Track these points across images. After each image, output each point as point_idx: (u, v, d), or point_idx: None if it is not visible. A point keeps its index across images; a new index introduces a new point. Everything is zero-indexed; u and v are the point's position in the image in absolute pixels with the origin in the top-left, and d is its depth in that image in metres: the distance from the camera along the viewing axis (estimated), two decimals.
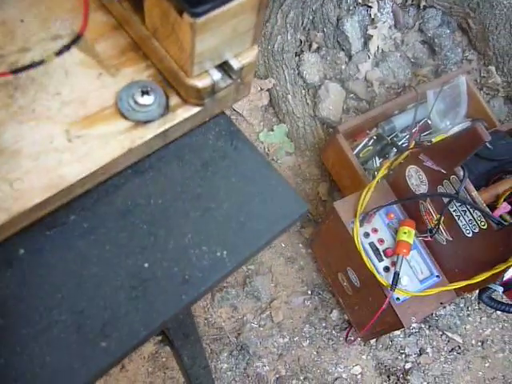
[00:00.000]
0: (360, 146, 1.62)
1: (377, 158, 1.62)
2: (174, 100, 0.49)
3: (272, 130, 1.74)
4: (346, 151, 1.52)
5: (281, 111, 1.74)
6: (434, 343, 1.58)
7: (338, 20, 1.76)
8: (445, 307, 1.60)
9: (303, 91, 1.74)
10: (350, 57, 1.76)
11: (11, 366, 0.41)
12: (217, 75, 0.46)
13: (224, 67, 0.48)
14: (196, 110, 0.49)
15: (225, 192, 0.49)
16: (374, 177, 1.60)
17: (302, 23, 1.75)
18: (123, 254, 0.45)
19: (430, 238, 1.27)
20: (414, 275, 1.30)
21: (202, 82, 0.46)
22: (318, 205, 1.67)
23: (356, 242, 1.29)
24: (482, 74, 1.80)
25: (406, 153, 1.34)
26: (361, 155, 1.60)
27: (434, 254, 1.32)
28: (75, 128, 0.46)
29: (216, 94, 0.48)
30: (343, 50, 1.77)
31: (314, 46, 1.76)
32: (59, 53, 0.45)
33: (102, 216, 0.46)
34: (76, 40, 0.45)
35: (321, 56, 1.75)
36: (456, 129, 1.61)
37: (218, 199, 0.48)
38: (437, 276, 1.30)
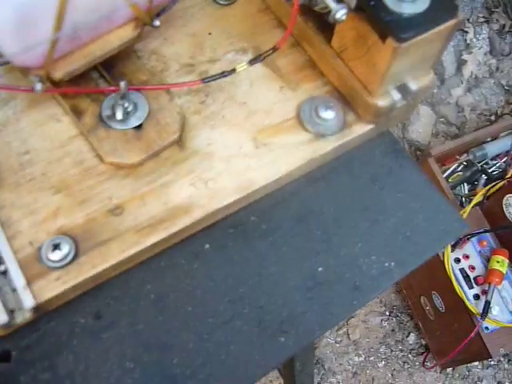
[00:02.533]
0: (449, 171, 1.61)
1: (465, 185, 1.61)
2: (350, 116, 0.51)
3: None
4: (438, 176, 1.51)
5: None
6: None
7: None
8: None
9: None
10: (442, 81, 1.76)
11: (199, 351, 0.45)
12: (397, 96, 0.49)
13: (402, 88, 0.50)
14: (370, 126, 0.51)
15: (391, 206, 0.51)
16: (461, 203, 1.59)
17: None
18: (299, 257, 0.48)
19: None
20: (505, 306, 1.28)
21: (383, 102, 0.49)
22: None
23: (447, 267, 1.28)
24: None
25: (503, 182, 1.32)
26: (449, 180, 1.59)
27: None
28: (261, 136, 0.50)
29: (391, 113, 0.51)
30: (436, 73, 1.77)
31: None
32: (251, 63, 0.49)
33: (278, 219, 0.50)
34: (275, 49, 0.48)
35: None
36: None
37: (385, 212, 0.51)
38: None
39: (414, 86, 0.49)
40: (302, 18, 0.52)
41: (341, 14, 0.41)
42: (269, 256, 0.48)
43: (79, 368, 0.43)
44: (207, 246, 0.48)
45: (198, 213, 0.46)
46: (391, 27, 0.43)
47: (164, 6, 0.49)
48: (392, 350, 1.55)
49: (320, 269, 0.48)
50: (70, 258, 0.43)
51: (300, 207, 0.50)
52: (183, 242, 0.48)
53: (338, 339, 1.54)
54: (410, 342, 1.57)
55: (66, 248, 0.43)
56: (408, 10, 0.44)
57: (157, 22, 0.47)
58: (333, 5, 0.41)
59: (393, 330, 1.58)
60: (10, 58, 0.43)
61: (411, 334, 1.57)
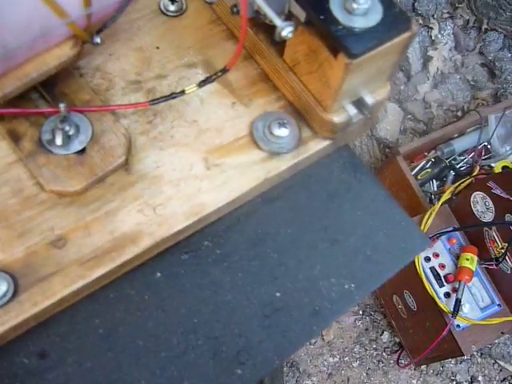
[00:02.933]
0: (417, 169, 1.61)
1: (434, 181, 1.61)
2: (306, 132, 0.49)
3: None
4: (406, 174, 1.51)
5: None
6: (486, 371, 1.56)
7: None
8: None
9: None
10: (408, 77, 1.76)
11: None
12: (353, 111, 0.47)
13: (357, 103, 0.48)
14: (326, 142, 0.49)
15: (351, 225, 0.49)
16: (430, 200, 1.60)
17: None
18: (255, 283, 0.46)
19: (495, 267, 1.25)
20: (475, 303, 1.29)
21: (338, 118, 0.47)
22: None
23: (417, 265, 1.28)
24: None
25: (470, 179, 1.33)
26: (418, 177, 1.60)
27: (496, 282, 1.30)
28: (213, 156, 0.48)
29: (348, 128, 0.49)
30: (402, 70, 1.76)
31: None
32: (201, 85, 0.47)
33: (233, 243, 0.47)
34: (220, 73, 0.46)
35: None
36: None
37: (344, 231, 0.49)
38: (498, 305, 1.29)
39: (370, 99, 0.48)
40: (253, 30, 0.50)
41: (287, 31, 0.39)
42: (224, 282, 0.46)
43: None
44: (158, 274, 0.46)
45: (147, 241, 0.44)
46: (342, 42, 0.41)
47: (105, 22, 0.46)
48: (366, 350, 1.55)
49: (278, 294, 0.46)
50: (8, 296, 0.40)
51: (256, 229, 0.48)
52: (133, 271, 0.45)
53: (313, 341, 1.53)
54: (384, 341, 1.57)
55: (3, 286, 0.40)
56: (359, 24, 0.42)
57: (97, 40, 0.45)
58: (278, 22, 0.38)
59: (367, 329, 1.57)
60: None
61: (385, 332, 1.57)
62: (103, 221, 0.44)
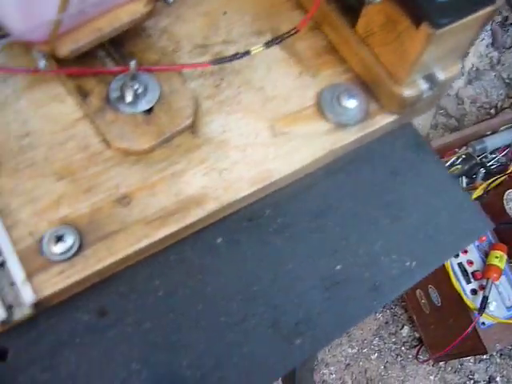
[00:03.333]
0: (448, 164, 1.59)
1: (464, 178, 1.59)
2: (373, 106, 0.48)
3: None
4: None
5: None
6: (505, 372, 1.54)
7: None
8: None
9: None
10: None
11: (211, 354, 0.42)
12: (424, 86, 0.46)
13: (429, 78, 0.47)
14: (393, 117, 0.48)
15: (413, 202, 0.49)
16: None
17: None
18: (316, 254, 0.46)
19: None
20: (502, 301, 1.27)
21: (409, 91, 0.46)
22: None
23: None
24: None
25: (504, 177, 1.31)
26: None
27: None
28: (279, 124, 0.47)
29: (416, 103, 0.48)
30: None
31: None
32: (268, 45, 0.46)
33: (295, 214, 0.47)
34: (287, 35, 0.45)
35: None
36: None
37: (406, 209, 0.48)
38: None
39: (441, 75, 0.47)
40: None
41: None
42: (285, 252, 0.45)
43: (81, 368, 0.40)
44: (220, 239, 0.45)
45: (212, 205, 0.43)
46: (427, 12, 0.40)
47: None
48: (385, 343, 1.54)
49: (338, 267, 0.45)
50: (73, 250, 0.40)
51: (318, 201, 0.47)
52: (194, 235, 0.45)
53: None
54: (404, 335, 1.56)
55: (69, 240, 0.40)
56: None
57: None
58: None
59: (386, 323, 1.56)
60: (13, 33, 0.39)
61: (405, 326, 1.56)
62: (169, 181, 0.44)
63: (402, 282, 0.46)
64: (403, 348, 1.54)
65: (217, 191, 0.43)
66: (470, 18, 0.41)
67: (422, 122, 1.69)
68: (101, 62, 0.47)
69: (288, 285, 0.44)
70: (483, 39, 1.76)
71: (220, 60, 0.47)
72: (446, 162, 1.60)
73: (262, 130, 0.46)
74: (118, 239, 0.41)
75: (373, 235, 0.47)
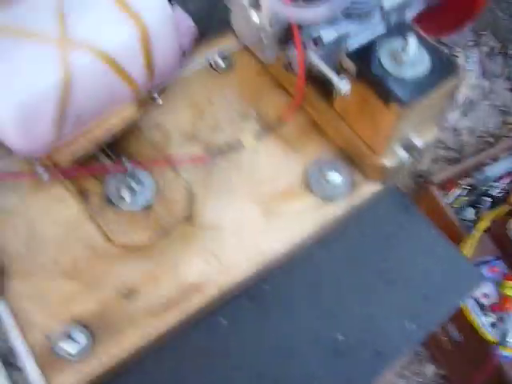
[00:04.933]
0: (453, 197, 1.60)
1: (470, 208, 1.60)
2: (358, 177, 0.51)
3: None
4: (441, 203, 1.50)
5: None
6: None
7: None
8: None
9: None
10: None
11: None
12: (404, 155, 0.49)
13: (408, 146, 0.50)
14: (378, 186, 0.51)
15: (407, 264, 0.50)
16: (468, 228, 1.58)
17: None
18: (316, 325, 0.47)
19: None
20: None
21: (390, 162, 0.48)
22: None
23: None
24: None
25: (506, 206, 1.32)
26: (454, 205, 1.59)
27: None
28: (270, 205, 0.49)
29: (398, 170, 0.50)
30: None
31: None
32: (258, 137, 0.49)
33: (293, 287, 0.49)
34: (275, 125, 0.48)
35: None
36: None
37: (401, 271, 0.50)
38: None
39: (419, 143, 0.49)
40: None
41: (344, 86, 0.41)
42: (285, 326, 0.47)
43: None
44: (224, 321, 0.47)
45: (212, 290, 0.45)
46: (393, 92, 0.43)
47: (164, 83, 0.49)
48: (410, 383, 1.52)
49: (339, 336, 0.47)
50: (86, 349, 0.42)
51: (314, 273, 0.50)
52: (199, 319, 0.47)
53: None
54: (428, 374, 1.54)
55: (82, 339, 0.42)
56: (409, 73, 0.44)
57: (160, 101, 0.48)
58: (334, 78, 0.41)
59: (410, 362, 1.55)
60: (14, 151, 0.42)
61: (428, 364, 1.54)
62: (170, 272, 0.46)
63: (402, 345, 0.47)
64: None
65: (216, 276, 0.46)
66: (435, 92, 0.44)
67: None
68: (99, 162, 0.50)
69: (291, 358, 0.46)
70: (473, 71, 1.80)
71: (215, 152, 0.50)
72: (451, 194, 1.62)
73: (254, 211, 0.49)
74: (127, 334, 0.44)
75: (370, 300, 0.49)
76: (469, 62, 1.78)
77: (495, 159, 1.64)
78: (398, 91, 0.43)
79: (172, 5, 0.45)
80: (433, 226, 0.53)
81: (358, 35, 0.45)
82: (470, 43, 1.81)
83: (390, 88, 0.43)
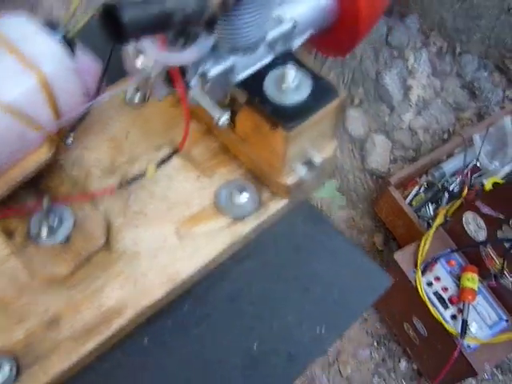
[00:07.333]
0: (412, 195, 1.65)
1: (429, 205, 1.65)
2: (265, 194, 0.55)
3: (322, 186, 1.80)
4: (400, 202, 1.55)
5: None
6: None
7: (376, 74, 1.83)
8: None
9: (350, 145, 1.80)
10: (392, 108, 1.82)
11: None
12: (302, 171, 0.53)
13: (307, 163, 0.54)
14: (285, 201, 0.55)
15: (318, 272, 0.54)
16: (428, 224, 1.63)
17: (343, 81, 1.83)
18: (234, 337, 0.51)
19: (494, 284, 1.28)
20: (483, 321, 1.31)
21: (290, 180, 0.52)
22: (375, 255, 1.70)
23: (420, 292, 1.31)
24: None
25: (460, 200, 1.37)
26: (413, 203, 1.64)
27: (500, 298, 1.32)
28: (184, 227, 0.53)
29: (301, 186, 0.54)
30: (385, 102, 1.83)
31: (356, 101, 1.83)
32: (160, 164, 0.53)
33: (211, 302, 0.52)
34: (176, 151, 0.52)
35: (364, 110, 1.82)
36: (507, 168, 1.63)
37: (313, 280, 0.54)
38: (506, 320, 1.30)
39: (318, 159, 0.53)
40: None
41: (222, 121, 0.45)
42: (206, 341, 0.51)
43: None
44: (146, 340, 0.51)
45: (131, 312, 0.49)
46: (276, 119, 0.47)
47: (75, 123, 0.52)
48: (385, 380, 1.56)
49: (255, 345, 0.51)
50: (12, 377, 0.45)
51: (231, 287, 0.53)
52: (123, 340, 0.50)
53: (331, 377, 1.55)
54: (402, 369, 1.57)
55: (6, 367, 0.45)
56: (291, 99, 0.48)
57: (69, 141, 0.51)
58: (214, 113, 0.45)
59: (383, 360, 1.59)
60: None
61: (402, 360, 1.58)
62: (91, 298, 0.49)
63: (314, 349, 0.51)
64: (404, 382, 1.56)
65: (133, 299, 0.49)
66: (318, 114, 0.48)
67: (380, 159, 1.76)
68: (22, 200, 0.53)
69: (210, 371, 0.49)
70: (423, 71, 1.86)
71: (123, 183, 0.53)
72: (410, 192, 1.67)
73: (169, 235, 0.53)
74: (51, 358, 0.47)
75: (285, 309, 0.52)
76: (419, 63, 1.84)
77: (450, 155, 1.69)
78: (280, 118, 0.47)
79: (74, 52, 0.49)
80: (342, 235, 0.57)
81: (246, 66, 0.49)
82: (419, 44, 1.87)
83: (273, 115, 0.47)
